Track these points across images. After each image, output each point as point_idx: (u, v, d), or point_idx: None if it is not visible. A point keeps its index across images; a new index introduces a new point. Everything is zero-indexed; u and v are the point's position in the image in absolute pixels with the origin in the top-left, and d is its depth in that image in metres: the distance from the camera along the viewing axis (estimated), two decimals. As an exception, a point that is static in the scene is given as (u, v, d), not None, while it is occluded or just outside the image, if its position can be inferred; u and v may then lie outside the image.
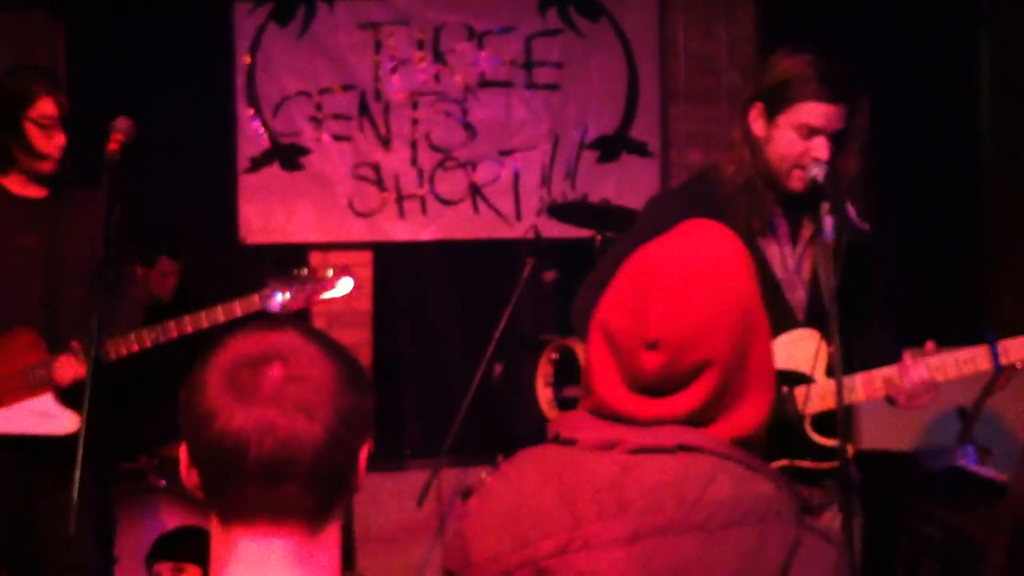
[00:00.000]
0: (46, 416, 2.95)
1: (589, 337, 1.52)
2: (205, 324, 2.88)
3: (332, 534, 1.17)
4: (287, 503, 1.13)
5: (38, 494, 3.01)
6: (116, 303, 3.04)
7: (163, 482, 3.76)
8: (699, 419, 1.43)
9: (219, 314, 2.89)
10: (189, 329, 2.89)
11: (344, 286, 2.94)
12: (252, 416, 1.11)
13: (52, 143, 2.96)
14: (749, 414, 1.45)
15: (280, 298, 2.89)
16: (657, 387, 1.43)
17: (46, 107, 2.95)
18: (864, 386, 2.42)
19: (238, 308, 2.88)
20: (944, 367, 2.39)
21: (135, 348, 2.90)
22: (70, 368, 2.92)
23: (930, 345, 2.42)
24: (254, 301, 2.89)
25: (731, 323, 1.42)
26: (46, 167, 2.98)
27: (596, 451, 1.42)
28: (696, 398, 1.42)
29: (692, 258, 1.46)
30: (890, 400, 2.43)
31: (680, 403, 1.42)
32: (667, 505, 1.35)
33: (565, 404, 4.04)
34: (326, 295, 2.93)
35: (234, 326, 2.85)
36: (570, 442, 1.45)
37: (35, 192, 3.04)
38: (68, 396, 2.93)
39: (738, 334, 1.43)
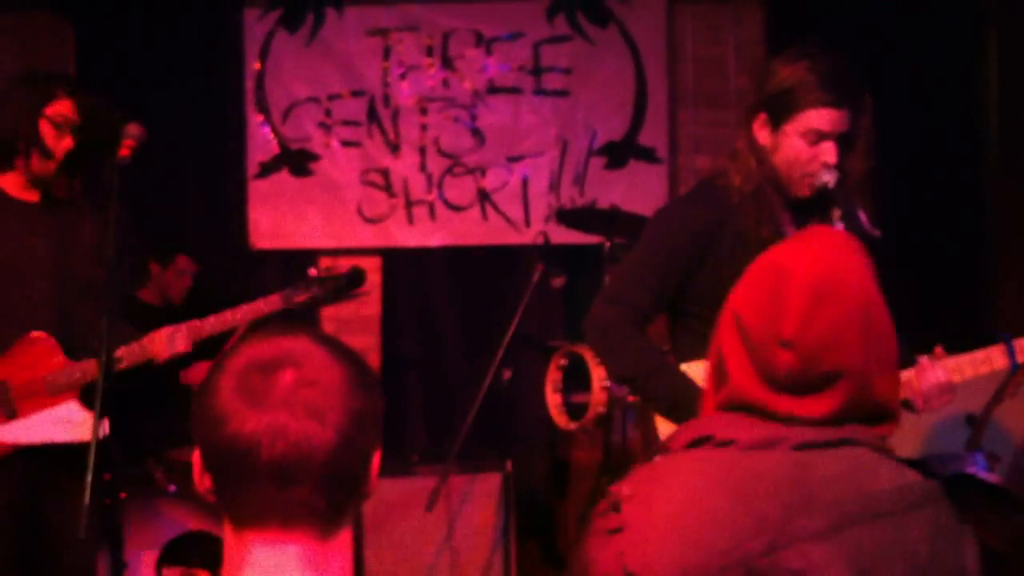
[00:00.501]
0: (70, 423, 2.91)
1: (721, 329, 1.54)
2: (254, 315, 2.88)
3: (344, 539, 1.17)
4: (299, 507, 1.13)
5: (45, 497, 3.00)
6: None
7: (172, 487, 3.77)
8: (835, 421, 1.45)
9: (255, 309, 2.87)
10: (228, 324, 2.88)
11: (359, 278, 2.94)
12: (264, 420, 1.11)
13: (60, 144, 2.96)
14: (887, 407, 1.47)
15: (298, 297, 2.89)
16: (791, 386, 1.45)
17: (64, 107, 2.96)
18: None
19: (263, 306, 2.87)
20: (960, 368, 2.39)
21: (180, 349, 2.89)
22: (163, 341, 2.87)
23: (939, 350, 2.42)
24: (274, 301, 2.89)
25: (861, 331, 1.45)
26: (49, 168, 2.98)
27: (759, 450, 1.43)
28: (830, 405, 1.44)
29: (823, 263, 1.48)
30: (906, 404, 2.43)
31: (815, 406, 1.45)
32: (851, 495, 1.37)
33: (573, 410, 4.04)
34: (349, 291, 2.94)
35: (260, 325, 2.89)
36: (727, 443, 1.45)
37: (30, 196, 3.02)
38: (92, 401, 2.92)
39: (868, 340, 1.45)
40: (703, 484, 1.43)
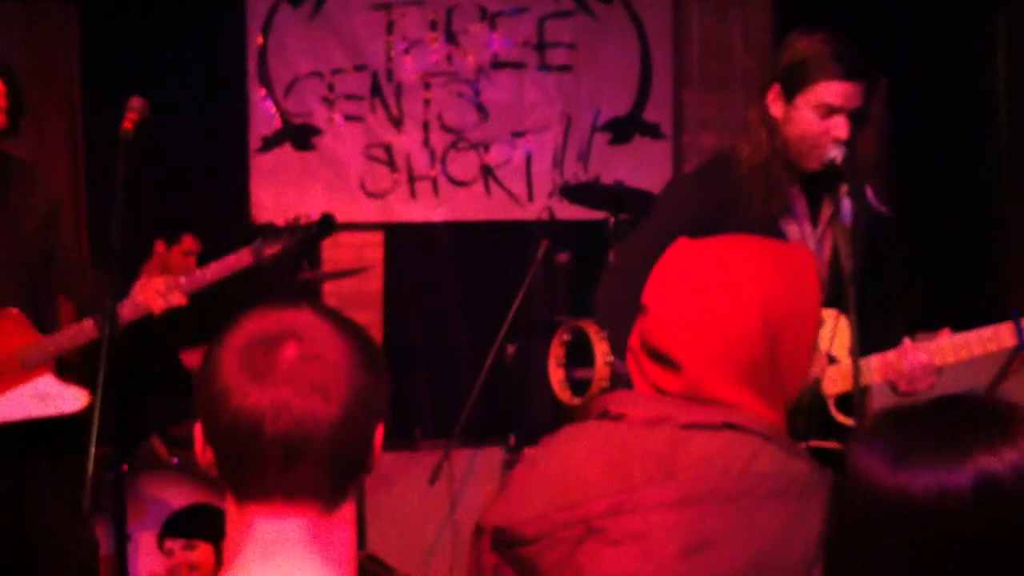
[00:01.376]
0: (48, 397, 2.88)
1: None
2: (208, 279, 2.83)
3: (347, 513, 1.17)
4: (303, 482, 1.12)
5: (27, 480, 2.97)
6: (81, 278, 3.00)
7: (175, 460, 3.77)
8: (691, 395, 1.52)
9: (211, 272, 2.84)
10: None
11: (326, 226, 2.91)
12: (267, 395, 1.10)
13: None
14: (752, 405, 1.52)
15: (269, 251, 2.86)
16: (651, 354, 1.54)
17: None
18: (878, 368, 2.41)
19: (234, 260, 2.84)
20: (968, 345, 2.38)
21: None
22: (151, 291, 2.81)
23: (946, 331, 2.41)
24: (244, 255, 2.85)
25: (699, 324, 1.51)
26: None
27: (645, 426, 1.50)
28: (681, 381, 1.53)
29: (713, 246, 1.58)
30: (891, 385, 2.42)
31: (672, 379, 1.54)
32: (713, 475, 1.43)
33: (577, 385, 4.04)
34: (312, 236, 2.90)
35: (230, 286, 2.87)
36: (618, 417, 1.54)
37: None
38: (67, 372, 2.91)
39: (708, 340, 1.51)
40: (581, 451, 1.54)
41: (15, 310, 2.93)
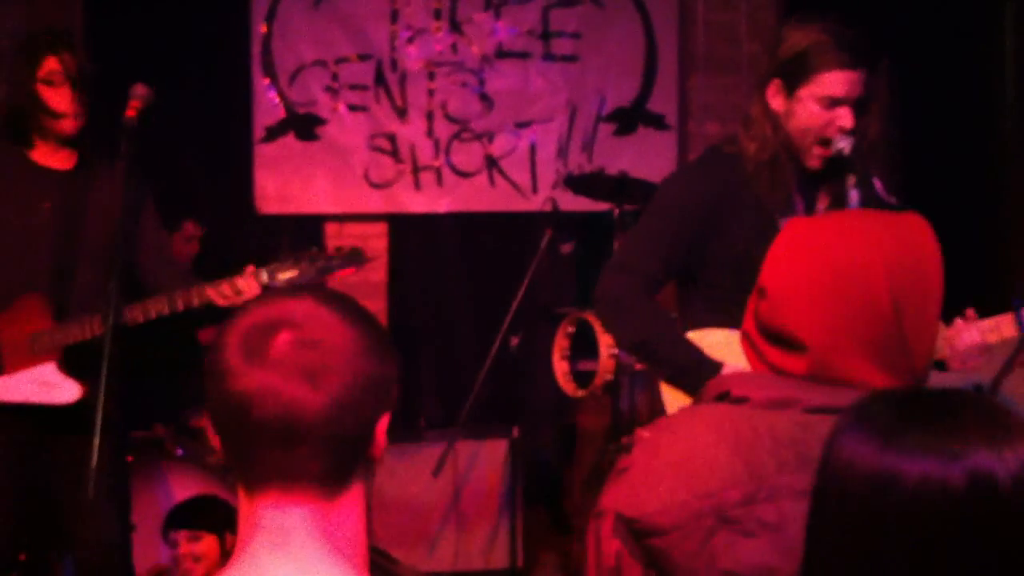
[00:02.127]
0: (47, 385, 2.92)
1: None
2: (197, 302, 2.87)
3: (353, 499, 1.16)
4: (294, 468, 1.13)
5: (51, 466, 3.00)
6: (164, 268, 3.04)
7: (180, 451, 3.77)
8: (812, 376, 1.46)
9: (212, 295, 2.86)
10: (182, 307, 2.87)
11: (355, 260, 2.93)
12: (255, 379, 1.11)
13: (64, 100, 2.94)
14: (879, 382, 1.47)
15: (283, 276, 2.88)
16: (769, 334, 1.48)
17: (51, 64, 2.94)
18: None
19: (227, 288, 2.85)
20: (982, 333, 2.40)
21: (140, 319, 2.88)
22: (244, 287, 2.84)
23: (970, 312, 2.41)
24: (250, 282, 2.86)
25: (828, 300, 1.45)
26: (67, 126, 2.97)
27: (771, 409, 1.46)
28: (797, 366, 1.47)
29: (827, 227, 1.52)
30: (939, 364, 2.42)
31: (787, 361, 1.48)
32: None
33: (581, 377, 4.03)
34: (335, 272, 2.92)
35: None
36: (742, 400, 1.49)
37: (61, 163, 3.02)
38: (71, 365, 2.92)
39: (838, 318, 1.45)
40: (707, 435, 1.47)
41: (38, 295, 2.95)
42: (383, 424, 1.17)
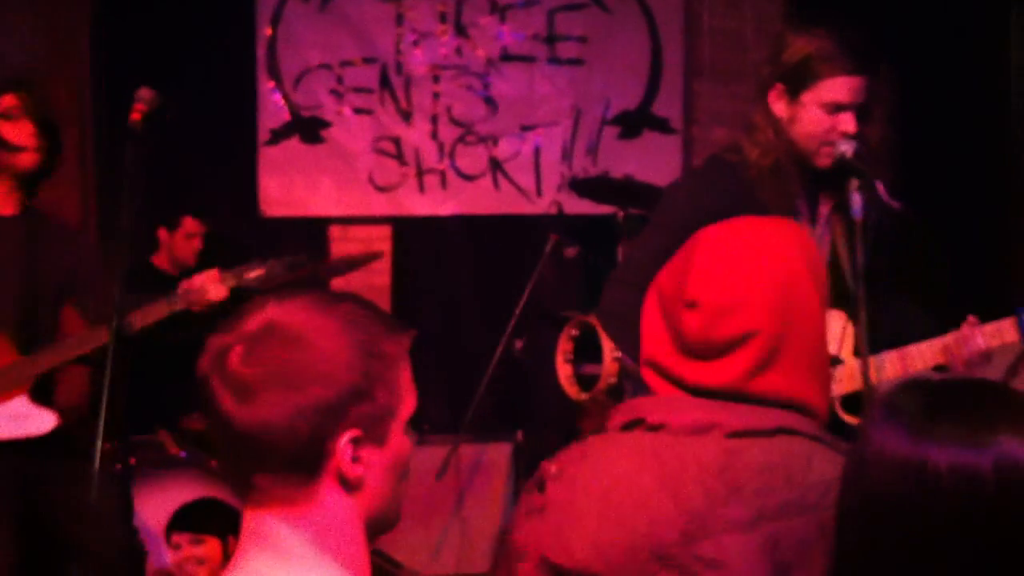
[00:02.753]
0: (22, 418, 2.91)
1: (646, 299, 1.52)
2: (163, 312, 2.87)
3: (332, 502, 1.15)
4: (235, 478, 1.17)
5: (47, 485, 2.99)
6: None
7: (182, 454, 3.77)
8: (739, 390, 1.40)
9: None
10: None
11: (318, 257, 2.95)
12: (211, 386, 1.15)
13: (22, 132, 2.94)
14: (802, 394, 1.42)
15: (251, 275, 2.89)
16: (698, 350, 1.41)
17: (8, 100, 2.95)
18: (899, 361, 2.40)
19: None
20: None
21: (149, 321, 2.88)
22: (206, 281, 2.86)
23: (972, 319, 2.40)
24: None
25: (772, 298, 1.40)
26: (25, 161, 2.96)
27: (691, 435, 1.39)
28: (736, 368, 1.40)
29: (745, 234, 1.46)
30: (941, 369, 2.42)
31: (721, 371, 1.40)
32: (778, 487, 1.32)
33: (584, 381, 4.03)
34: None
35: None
36: (659, 427, 1.42)
37: (5, 210, 3.00)
38: (40, 395, 2.93)
39: (780, 310, 1.40)
40: (628, 467, 1.40)
41: (2, 333, 2.95)
42: (342, 443, 1.14)
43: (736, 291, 1.40)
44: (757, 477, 1.34)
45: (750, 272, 1.41)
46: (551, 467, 1.47)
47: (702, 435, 1.38)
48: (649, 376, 1.49)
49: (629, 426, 1.45)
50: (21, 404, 2.93)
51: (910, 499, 1.05)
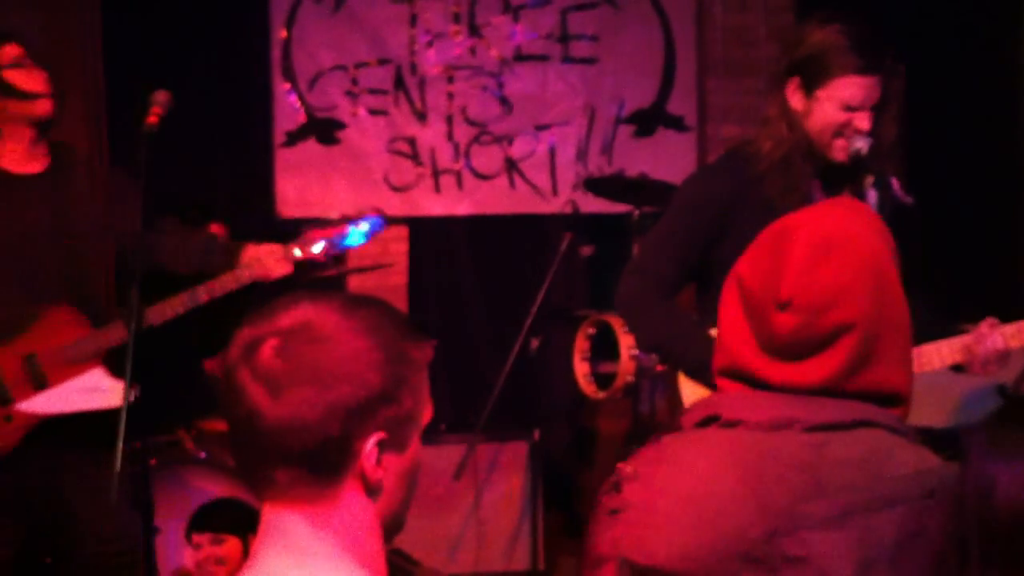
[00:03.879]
0: (98, 391, 2.89)
1: (724, 296, 1.46)
2: (233, 285, 2.88)
3: (352, 501, 1.16)
4: (259, 476, 1.16)
5: (65, 471, 3.00)
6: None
7: (202, 454, 3.79)
8: (834, 387, 1.37)
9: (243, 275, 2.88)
10: (219, 291, 2.89)
11: (364, 228, 2.96)
12: (239, 379, 1.15)
13: (37, 79, 2.88)
14: (897, 383, 1.39)
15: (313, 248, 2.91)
16: (790, 350, 1.37)
17: (11, 50, 2.90)
18: (915, 359, 2.40)
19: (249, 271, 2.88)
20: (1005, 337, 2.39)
21: (170, 315, 2.89)
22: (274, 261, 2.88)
23: (992, 319, 2.40)
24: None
25: (868, 286, 1.37)
26: (41, 108, 2.90)
27: (770, 431, 1.35)
28: (832, 364, 1.36)
29: (829, 222, 1.42)
30: (958, 368, 2.42)
31: (814, 369, 1.37)
32: (863, 481, 1.30)
33: (601, 379, 4.03)
34: (349, 239, 2.94)
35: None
36: (735, 423, 1.38)
37: (33, 167, 2.97)
38: (119, 368, 2.93)
39: (875, 300, 1.37)
40: (708, 466, 1.37)
41: (68, 307, 2.95)
42: (368, 445, 1.15)
43: (833, 286, 1.36)
44: (840, 472, 1.31)
45: (845, 263, 1.37)
46: (627, 468, 1.43)
47: (781, 431, 1.36)
48: (727, 385, 1.45)
49: (704, 423, 1.42)
50: (97, 376, 2.91)
51: None
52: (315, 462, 1.14)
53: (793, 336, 1.37)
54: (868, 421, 1.35)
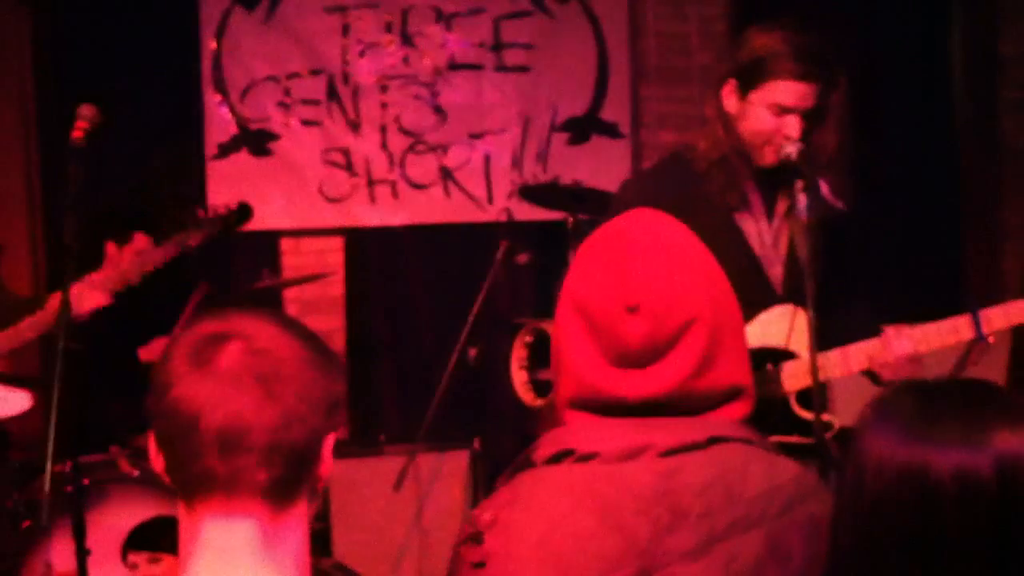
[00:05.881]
0: None
1: (558, 322, 1.44)
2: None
3: (297, 519, 1.16)
4: (240, 477, 1.13)
5: None
6: None
7: (136, 472, 3.73)
8: (687, 389, 1.36)
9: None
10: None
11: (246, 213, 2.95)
12: (206, 387, 1.12)
13: None
14: (741, 378, 1.42)
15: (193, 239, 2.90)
16: (643, 357, 1.37)
17: None
18: (841, 361, 2.43)
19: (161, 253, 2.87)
20: (927, 338, 2.41)
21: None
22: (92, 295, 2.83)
23: (895, 327, 2.43)
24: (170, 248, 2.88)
25: (704, 283, 1.41)
26: None
27: (623, 461, 1.33)
28: (682, 363, 1.37)
29: (652, 229, 1.45)
30: (872, 375, 2.44)
31: (667, 372, 1.37)
32: (720, 504, 1.29)
33: (539, 387, 4.03)
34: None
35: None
36: (590, 456, 1.35)
37: None
38: (11, 376, 2.88)
39: (712, 295, 1.41)
40: (566, 505, 1.33)
41: None
42: (329, 443, 1.18)
43: (677, 285, 1.38)
44: (698, 499, 1.30)
45: (682, 264, 1.40)
46: (484, 515, 1.38)
47: (635, 459, 1.33)
48: (575, 417, 1.41)
49: (556, 458, 1.38)
50: None
51: (912, 504, 1.05)
52: (294, 461, 1.14)
53: (646, 339, 1.36)
54: (721, 437, 1.35)
